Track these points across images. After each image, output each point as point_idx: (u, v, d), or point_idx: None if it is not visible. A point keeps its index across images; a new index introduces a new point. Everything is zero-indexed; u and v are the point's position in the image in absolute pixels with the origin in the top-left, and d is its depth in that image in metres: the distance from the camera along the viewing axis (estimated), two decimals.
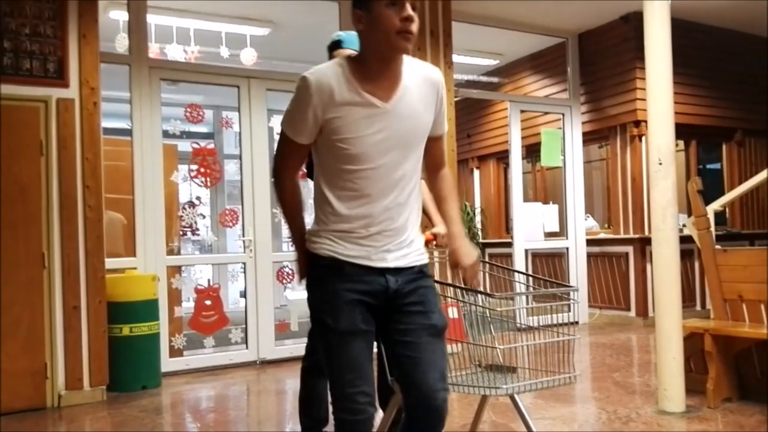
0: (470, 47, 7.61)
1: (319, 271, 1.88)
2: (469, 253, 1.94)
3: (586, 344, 5.96)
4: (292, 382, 4.97)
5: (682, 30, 6.68)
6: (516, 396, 2.36)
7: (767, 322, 3.79)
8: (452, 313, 2.50)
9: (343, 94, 1.76)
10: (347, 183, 1.81)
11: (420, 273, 1.91)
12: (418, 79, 1.86)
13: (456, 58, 7.70)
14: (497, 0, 6.34)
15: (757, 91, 7.78)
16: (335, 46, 2.73)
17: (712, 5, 6.73)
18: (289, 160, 1.92)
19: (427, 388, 1.82)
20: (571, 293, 2.45)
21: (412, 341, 1.86)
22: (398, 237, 1.85)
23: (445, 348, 1.93)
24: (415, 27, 1.77)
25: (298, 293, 6.28)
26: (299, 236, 1.96)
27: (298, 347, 5.66)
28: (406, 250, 1.87)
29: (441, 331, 1.90)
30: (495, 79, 8.72)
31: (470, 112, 8.74)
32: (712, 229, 4.20)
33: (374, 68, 1.79)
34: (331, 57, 2.60)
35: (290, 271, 5.87)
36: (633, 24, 6.77)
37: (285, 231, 7.15)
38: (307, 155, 1.92)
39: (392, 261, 1.85)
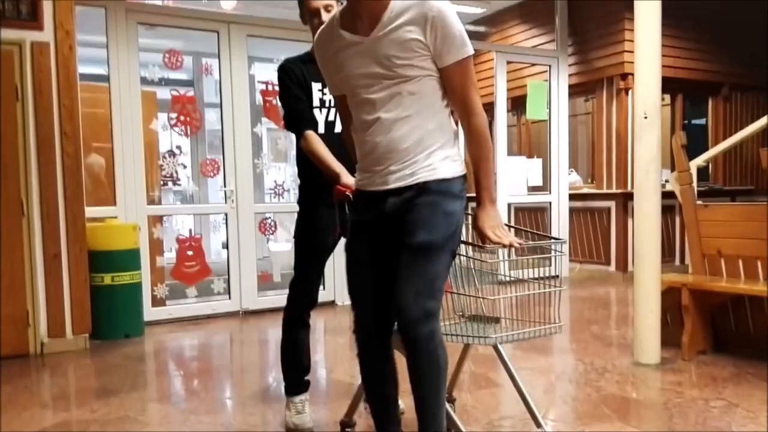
0: None
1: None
2: (490, 224, 1.91)
3: (565, 298, 6.04)
4: (274, 332, 5.00)
5: None
6: (500, 346, 2.39)
7: (744, 277, 3.85)
8: None
9: (333, 42, 1.92)
10: (355, 117, 1.96)
11: (421, 189, 1.85)
12: (408, 11, 1.81)
13: None
14: None
15: (744, 46, 7.74)
16: None
17: None
18: (340, 112, 2.16)
19: (400, 308, 1.80)
20: (556, 246, 2.45)
21: (393, 262, 1.85)
22: (401, 157, 1.86)
23: (429, 267, 1.82)
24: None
25: (280, 245, 6.27)
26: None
27: (280, 298, 5.65)
28: (412, 168, 1.86)
29: (420, 248, 1.81)
30: (482, 29, 8.58)
31: None
32: (695, 184, 4.22)
33: (354, 8, 1.87)
34: (300, 3, 2.61)
35: (272, 223, 5.85)
36: None
37: (267, 181, 7.11)
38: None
39: (393, 182, 1.88)
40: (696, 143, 7.16)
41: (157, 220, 5.37)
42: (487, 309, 2.46)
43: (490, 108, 7.16)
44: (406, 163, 1.86)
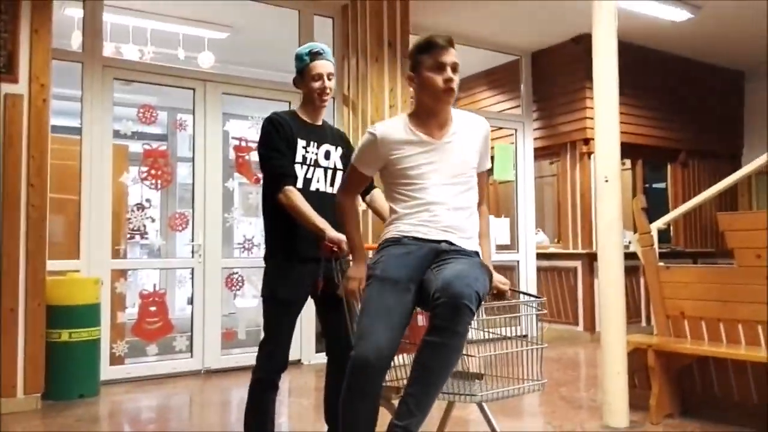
0: None
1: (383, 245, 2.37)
2: (498, 279, 2.40)
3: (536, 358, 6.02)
4: (237, 392, 4.88)
5: (632, 54, 6.90)
6: (484, 404, 2.36)
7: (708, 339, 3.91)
8: (421, 320, 2.55)
9: (402, 135, 2.34)
10: (406, 195, 2.35)
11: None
12: (467, 125, 2.40)
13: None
14: (454, 16, 6.43)
15: (701, 115, 8.09)
16: (316, 56, 2.78)
17: (662, 31, 6.96)
18: (352, 185, 2.49)
19: (449, 282, 2.06)
20: (538, 303, 2.47)
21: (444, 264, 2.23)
22: (462, 233, 2.33)
23: (477, 272, 2.17)
24: (455, 85, 2.29)
25: (247, 300, 6.19)
26: (357, 245, 2.44)
27: (245, 356, 5.57)
28: (468, 243, 2.35)
29: (474, 257, 2.30)
30: None
31: None
32: (656, 246, 4.32)
33: (425, 116, 2.36)
34: (302, 68, 2.78)
35: (240, 278, 5.78)
36: (584, 46, 6.94)
37: (237, 236, 7.05)
38: (365, 182, 2.56)
39: (454, 240, 2.32)
40: (658, 206, 7.36)
41: (120, 274, 5.27)
42: (470, 366, 2.44)
43: None
44: (463, 238, 2.33)
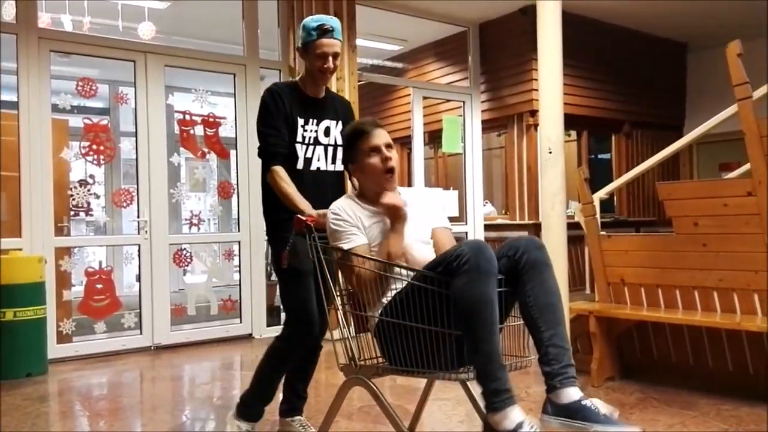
0: (375, 32, 7.64)
1: None
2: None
3: None
4: (188, 368, 4.87)
5: (577, 26, 7.00)
6: (468, 382, 2.34)
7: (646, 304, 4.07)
8: None
9: (364, 219, 2.36)
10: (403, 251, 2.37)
11: None
12: (416, 196, 2.51)
13: (361, 42, 7.70)
14: None
15: (644, 86, 8.29)
16: (324, 33, 2.65)
17: (607, 3, 7.07)
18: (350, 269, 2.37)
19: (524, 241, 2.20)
20: None
21: None
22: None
23: None
24: (394, 162, 2.37)
25: (196, 276, 6.14)
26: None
27: (195, 332, 5.56)
28: None
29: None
30: (400, 65, 8.80)
31: (375, 97, 8.79)
32: (598, 215, 4.45)
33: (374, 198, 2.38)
34: (308, 43, 2.68)
35: (188, 254, 5.72)
36: (530, 17, 6.96)
37: (184, 212, 6.97)
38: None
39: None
40: (603, 177, 7.57)
41: (65, 252, 5.15)
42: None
43: (408, 141, 7.34)
44: None
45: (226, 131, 5.83)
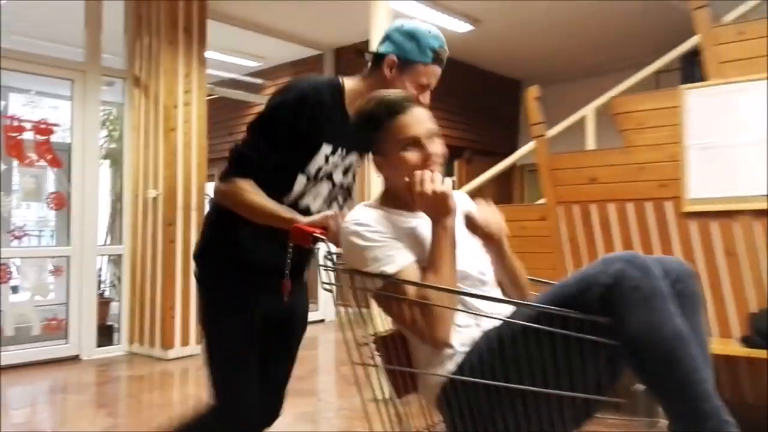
0: (233, 47, 7.61)
1: None
2: None
3: (325, 341, 6.26)
4: (4, 391, 4.53)
5: None
6: None
7: None
8: None
9: (400, 229, 1.65)
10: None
11: None
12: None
13: (219, 56, 7.64)
14: (256, 2, 6.36)
15: (483, 117, 8.93)
16: (439, 59, 1.97)
17: (449, 40, 7.48)
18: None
19: None
20: None
21: None
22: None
23: None
24: (439, 159, 1.68)
25: (19, 296, 5.70)
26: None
27: (11, 354, 5.13)
28: None
29: None
30: (259, 80, 8.80)
31: (234, 110, 8.73)
32: None
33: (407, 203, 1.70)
34: (413, 61, 1.90)
35: (10, 271, 5.31)
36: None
37: (11, 224, 6.46)
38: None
39: None
40: None
41: None
42: None
43: None
44: None
45: (61, 138, 5.51)
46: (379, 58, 1.91)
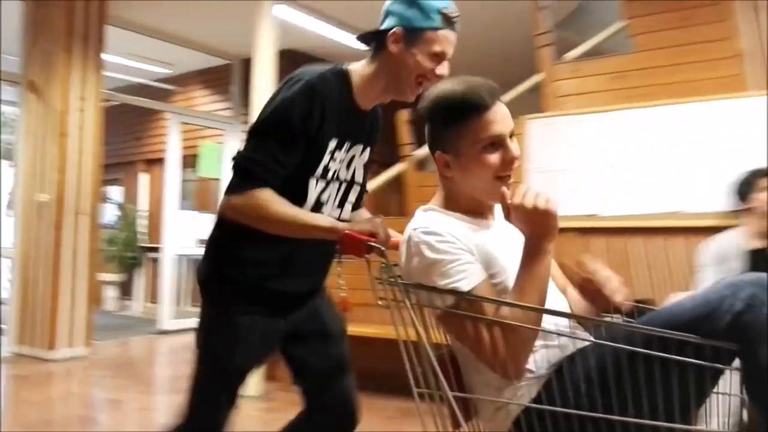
0: (142, 53, 7.68)
1: None
2: None
3: None
4: None
5: (297, 62, 7.63)
6: None
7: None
8: None
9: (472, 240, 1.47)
10: None
11: None
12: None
13: (126, 62, 7.67)
14: (157, 13, 6.47)
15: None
16: (450, 22, 1.68)
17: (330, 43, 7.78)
18: None
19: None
20: None
21: None
22: None
23: None
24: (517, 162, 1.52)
25: None
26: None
27: None
28: None
29: None
30: (169, 87, 8.87)
31: (140, 115, 8.79)
32: None
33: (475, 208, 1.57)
34: (420, 29, 1.64)
35: None
36: (288, 59, 7.53)
37: None
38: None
39: None
40: None
41: None
42: None
43: (161, 163, 7.45)
44: None
45: None
46: (382, 36, 1.68)
